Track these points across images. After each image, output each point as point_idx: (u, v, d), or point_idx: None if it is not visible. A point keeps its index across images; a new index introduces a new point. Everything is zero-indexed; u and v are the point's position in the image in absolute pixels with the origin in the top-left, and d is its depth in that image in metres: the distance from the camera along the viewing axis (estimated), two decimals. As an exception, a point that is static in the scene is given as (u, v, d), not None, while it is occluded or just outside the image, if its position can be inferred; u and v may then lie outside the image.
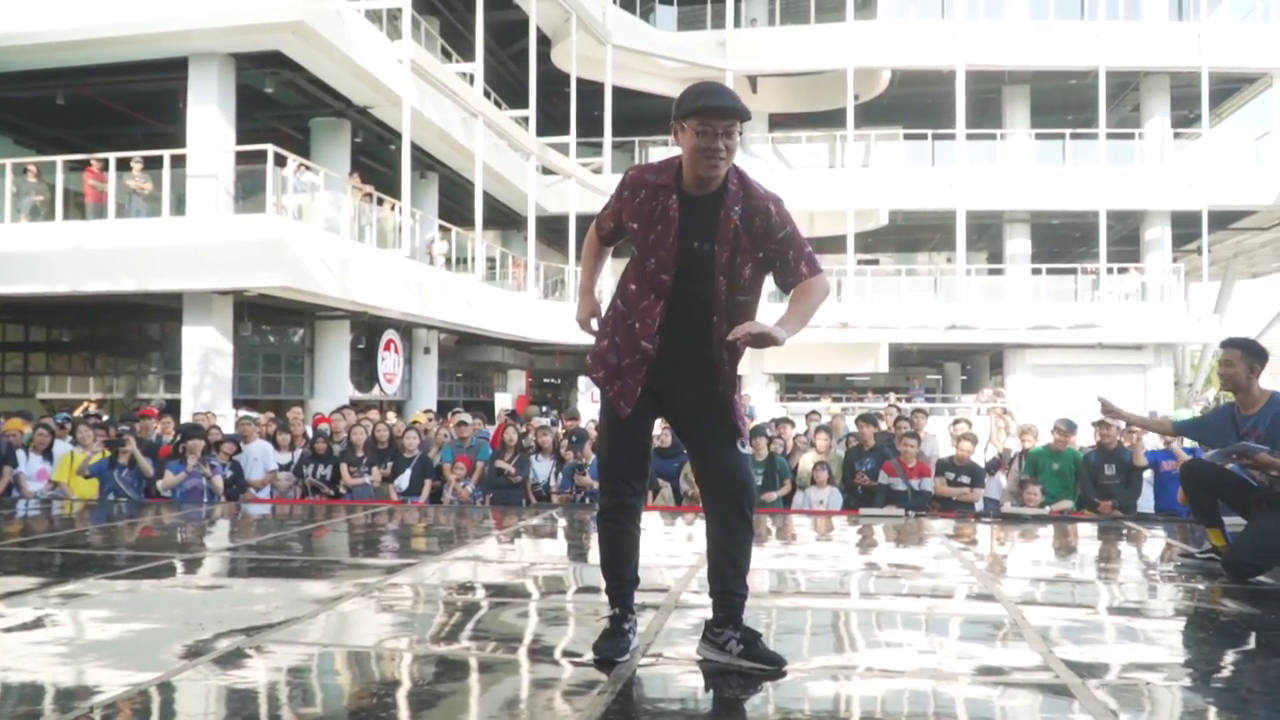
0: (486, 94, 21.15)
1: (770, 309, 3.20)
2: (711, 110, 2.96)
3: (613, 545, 3.31)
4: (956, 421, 9.89)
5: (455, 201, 23.40)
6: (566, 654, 3.46)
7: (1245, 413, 5.05)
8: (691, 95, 3.02)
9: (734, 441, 3.17)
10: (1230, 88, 28.78)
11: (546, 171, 24.28)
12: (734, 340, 2.96)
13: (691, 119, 2.98)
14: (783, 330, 2.96)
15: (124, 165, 14.29)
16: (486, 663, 3.37)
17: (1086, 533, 6.95)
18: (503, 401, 25.57)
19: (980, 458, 9.80)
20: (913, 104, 29.63)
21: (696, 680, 3.10)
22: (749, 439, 3.36)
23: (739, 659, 3.13)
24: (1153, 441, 8.87)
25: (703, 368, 3.15)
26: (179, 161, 14.40)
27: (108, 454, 9.08)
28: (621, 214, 3.21)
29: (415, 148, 17.77)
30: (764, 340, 2.91)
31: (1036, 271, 28.64)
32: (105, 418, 11.83)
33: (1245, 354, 5.04)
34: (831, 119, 29.16)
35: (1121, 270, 27.73)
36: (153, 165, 14.28)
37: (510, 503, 8.85)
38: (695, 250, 3.07)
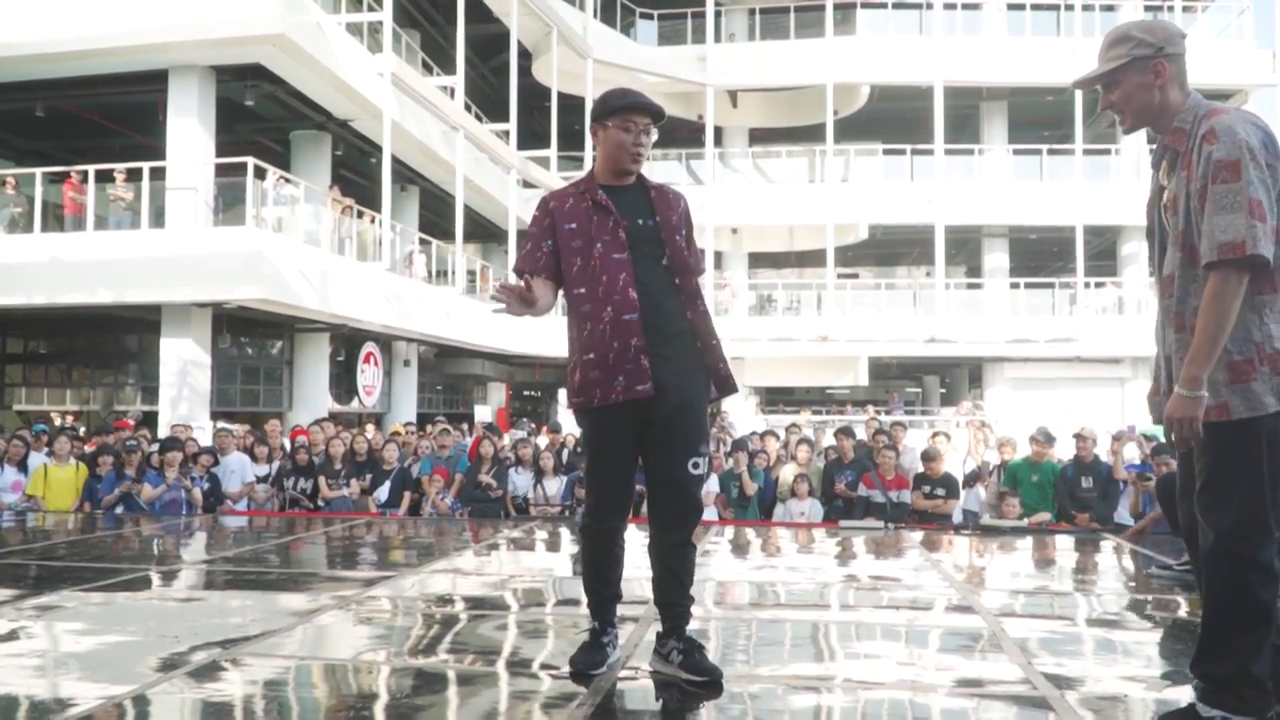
0: (467, 107, 21.15)
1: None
2: (638, 107, 3.20)
3: (594, 563, 3.31)
4: (935, 435, 9.92)
5: (436, 214, 23.37)
6: (545, 667, 3.44)
7: None
8: (617, 95, 3.24)
9: (686, 460, 3.17)
10: (1205, 104, 28.97)
11: (527, 185, 24.28)
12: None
13: (616, 116, 3.19)
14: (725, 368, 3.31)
15: (103, 177, 14.22)
16: (465, 675, 3.36)
17: (1064, 545, 6.98)
18: (483, 414, 25.52)
19: (959, 470, 9.83)
20: (891, 119, 29.78)
21: (675, 693, 3.09)
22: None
23: (678, 669, 3.14)
24: (1131, 454, 8.91)
25: (678, 311, 3.20)
26: (158, 174, 14.34)
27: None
28: (553, 230, 3.23)
29: (396, 161, 17.73)
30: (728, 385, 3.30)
31: (1015, 286, 28.77)
32: (81, 430, 11.75)
33: None
34: (811, 134, 29.30)
35: (1099, 284, 27.93)
36: (132, 177, 14.22)
37: (489, 515, 8.82)
38: (641, 226, 3.21)
